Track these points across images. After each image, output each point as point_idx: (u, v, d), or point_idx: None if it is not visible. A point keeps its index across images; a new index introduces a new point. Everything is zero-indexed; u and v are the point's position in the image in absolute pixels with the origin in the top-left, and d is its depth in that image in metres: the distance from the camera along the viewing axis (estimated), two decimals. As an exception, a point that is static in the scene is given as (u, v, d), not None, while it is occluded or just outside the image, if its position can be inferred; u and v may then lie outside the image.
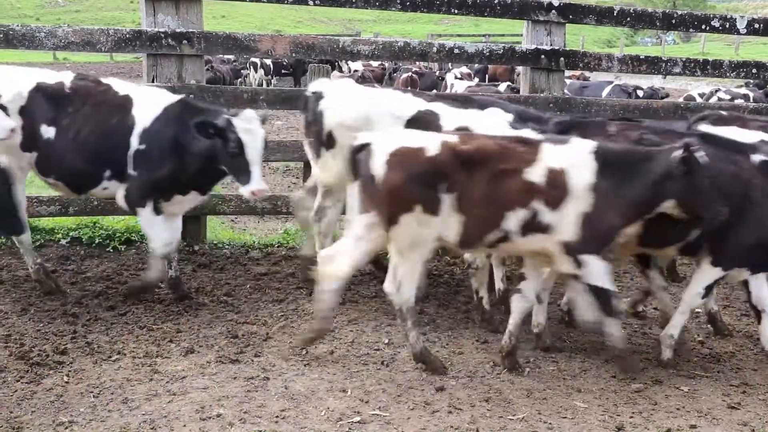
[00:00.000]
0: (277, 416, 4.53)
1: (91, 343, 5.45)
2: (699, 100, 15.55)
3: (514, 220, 4.94)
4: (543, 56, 8.23)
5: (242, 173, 5.72)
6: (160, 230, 6.07)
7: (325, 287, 5.27)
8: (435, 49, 8.21)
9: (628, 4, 33.22)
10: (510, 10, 8.26)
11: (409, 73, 24.26)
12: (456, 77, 21.83)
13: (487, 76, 26.79)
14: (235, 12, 57.13)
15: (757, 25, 8.87)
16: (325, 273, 5.26)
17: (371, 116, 6.04)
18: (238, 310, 6.22)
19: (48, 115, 5.92)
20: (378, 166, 4.89)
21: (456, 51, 8.21)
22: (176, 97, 6.09)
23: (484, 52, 8.37)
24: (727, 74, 9.11)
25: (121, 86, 6.13)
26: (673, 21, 8.87)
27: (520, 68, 10.90)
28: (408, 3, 7.87)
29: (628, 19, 8.78)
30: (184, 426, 4.37)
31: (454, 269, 7.52)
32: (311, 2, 7.77)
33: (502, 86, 17.53)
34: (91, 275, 6.87)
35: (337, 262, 5.22)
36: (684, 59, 8.95)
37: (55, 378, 4.90)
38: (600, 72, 10.01)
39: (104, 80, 6.22)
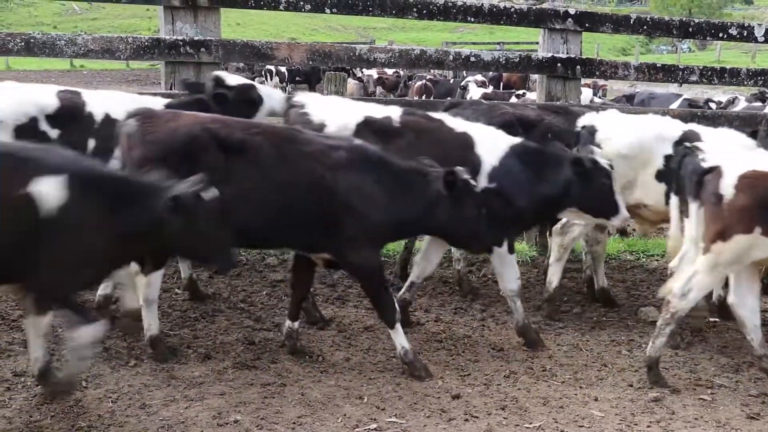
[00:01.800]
0: (293, 423, 4.54)
1: (109, 349, 5.47)
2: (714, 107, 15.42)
3: None
4: (559, 64, 8.24)
5: (610, 205, 5.79)
6: (513, 269, 5.92)
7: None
8: (451, 57, 8.22)
9: (643, 13, 33.14)
10: (526, 18, 8.28)
11: (424, 81, 24.27)
12: (477, 85, 21.86)
13: (501, 83, 26.77)
14: (249, 20, 57.34)
15: (775, 33, 8.85)
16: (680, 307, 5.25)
17: (644, 143, 6.29)
18: (255, 317, 6.24)
19: None
20: (727, 186, 4.98)
21: (472, 59, 8.23)
22: (516, 139, 6.01)
23: (500, 60, 8.38)
24: (745, 82, 9.10)
25: (454, 122, 6.04)
26: (690, 29, 8.86)
27: (536, 76, 10.90)
28: (424, 11, 7.90)
29: (645, 27, 8.77)
30: (202, 431, 4.40)
31: (471, 276, 7.51)
32: (328, 10, 7.80)
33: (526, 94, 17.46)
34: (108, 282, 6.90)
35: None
36: (701, 67, 8.94)
37: (73, 383, 4.93)
38: (616, 80, 10.00)
39: (434, 115, 6.16)
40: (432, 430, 4.53)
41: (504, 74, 25.81)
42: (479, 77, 23.74)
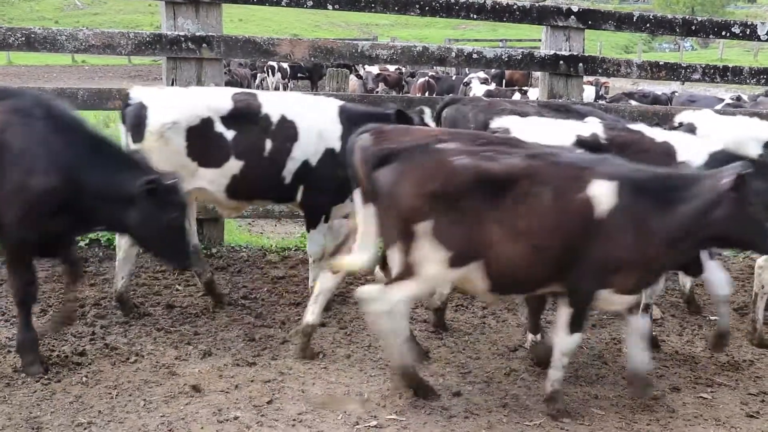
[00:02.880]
0: (294, 419, 4.54)
1: (110, 345, 5.48)
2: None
3: None
4: (562, 62, 8.23)
5: None
6: (721, 274, 5.79)
7: None
8: (453, 54, 8.21)
9: (646, 11, 33.08)
10: (529, 15, 8.26)
11: (426, 78, 24.25)
12: (480, 82, 21.84)
13: (504, 81, 26.77)
14: (252, 16, 57.30)
15: (778, 32, 8.83)
16: None
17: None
18: (256, 313, 6.24)
19: None
20: None
21: (474, 56, 8.22)
22: (718, 146, 5.85)
23: (503, 57, 8.36)
24: (747, 81, 9.06)
25: (653, 132, 5.96)
26: (693, 27, 8.83)
27: (538, 73, 10.89)
28: (427, 8, 7.88)
29: (648, 25, 8.75)
30: (202, 428, 4.39)
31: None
32: (330, 6, 7.80)
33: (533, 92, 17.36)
34: (110, 277, 6.90)
35: None
36: (703, 65, 8.91)
37: (73, 379, 4.94)
38: (619, 78, 9.99)
39: (632, 126, 6.11)
40: (432, 427, 4.53)
41: (507, 71, 25.82)
42: (482, 74, 23.71)
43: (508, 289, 4.76)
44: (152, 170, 4.99)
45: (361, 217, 4.70)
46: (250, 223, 10.13)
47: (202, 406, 4.64)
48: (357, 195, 4.85)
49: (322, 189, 6.05)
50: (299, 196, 6.10)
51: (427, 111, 6.49)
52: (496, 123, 6.05)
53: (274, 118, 5.92)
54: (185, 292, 6.61)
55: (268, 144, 5.89)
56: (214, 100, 5.90)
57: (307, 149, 5.96)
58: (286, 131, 5.91)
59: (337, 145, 5.98)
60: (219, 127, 5.82)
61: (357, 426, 4.50)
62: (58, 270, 6.86)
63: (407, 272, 4.51)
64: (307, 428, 4.46)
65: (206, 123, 5.79)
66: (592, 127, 5.94)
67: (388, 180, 4.49)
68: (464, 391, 5.01)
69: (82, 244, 7.61)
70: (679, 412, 4.90)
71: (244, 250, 7.94)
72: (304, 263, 7.56)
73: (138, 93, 5.90)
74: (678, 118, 6.72)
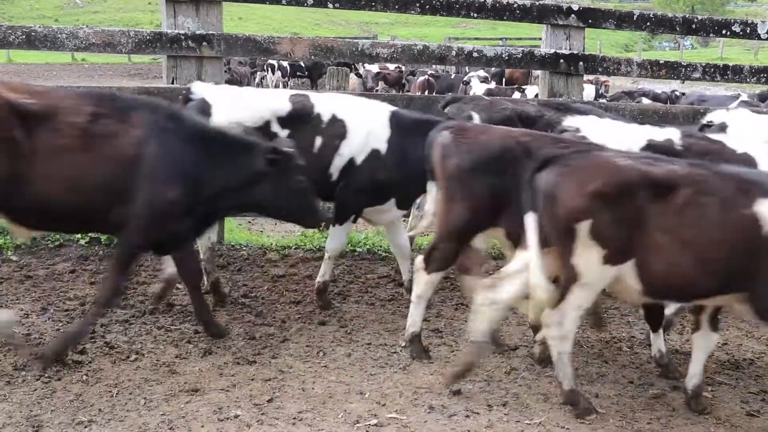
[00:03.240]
0: (294, 418, 4.53)
1: (110, 343, 5.47)
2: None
3: None
4: (562, 60, 8.23)
5: None
6: None
7: None
8: (454, 53, 8.22)
9: (647, 9, 33.01)
10: (529, 14, 8.26)
11: (426, 76, 24.27)
12: (480, 80, 21.87)
13: (504, 79, 26.79)
14: (252, 14, 57.33)
15: (778, 31, 8.83)
16: None
17: None
18: (256, 312, 6.24)
19: None
20: None
21: (475, 54, 8.23)
22: None
23: (503, 55, 8.37)
24: (747, 80, 9.06)
25: (735, 143, 5.90)
26: (693, 26, 8.84)
27: (538, 72, 10.89)
28: (427, 6, 7.89)
29: (648, 23, 8.76)
30: (202, 426, 4.39)
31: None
32: (330, 5, 7.81)
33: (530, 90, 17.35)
34: (110, 275, 6.90)
35: None
36: (704, 64, 8.91)
37: (74, 377, 4.93)
38: (619, 76, 9.99)
39: (713, 137, 6.06)
40: (433, 426, 4.53)
41: (507, 70, 25.83)
42: (482, 73, 23.72)
43: (663, 293, 4.69)
44: (268, 144, 5.32)
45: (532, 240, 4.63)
46: (250, 222, 10.12)
47: (203, 404, 4.64)
48: (431, 188, 5.17)
49: (360, 188, 6.18)
50: (336, 190, 6.23)
51: (476, 116, 6.51)
52: (569, 122, 6.07)
53: (325, 117, 6.11)
54: (185, 290, 6.59)
55: (318, 141, 6.06)
56: (273, 101, 6.12)
57: (353, 147, 6.10)
58: (336, 129, 6.09)
59: (383, 147, 6.14)
60: (275, 127, 6.03)
61: (357, 424, 4.50)
62: (57, 269, 6.88)
63: (572, 277, 4.52)
64: (308, 426, 4.46)
65: (266, 124, 6.00)
66: (668, 132, 5.90)
67: (550, 182, 4.50)
68: (464, 389, 5.00)
69: (82, 242, 7.61)
70: (679, 410, 4.90)
71: (244, 248, 7.94)
72: (304, 262, 7.57)
73: (200, 89, 6.13)
74: (708, 117, 6.68)
